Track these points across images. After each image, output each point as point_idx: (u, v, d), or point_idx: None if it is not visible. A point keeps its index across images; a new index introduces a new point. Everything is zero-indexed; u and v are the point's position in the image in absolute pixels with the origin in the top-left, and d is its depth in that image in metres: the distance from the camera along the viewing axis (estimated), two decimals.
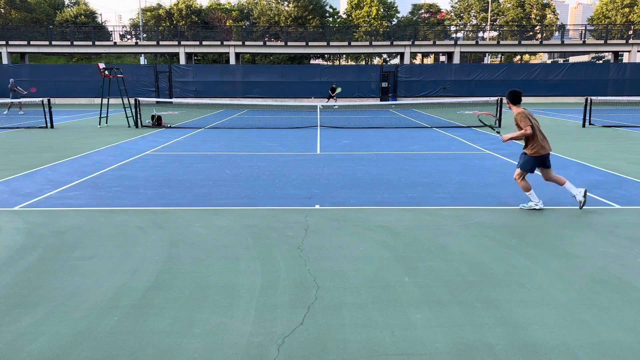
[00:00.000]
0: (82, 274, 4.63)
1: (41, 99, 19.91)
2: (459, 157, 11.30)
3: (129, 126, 18.79)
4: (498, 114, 18.55)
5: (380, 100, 35.96)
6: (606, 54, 59.55)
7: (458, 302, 4.01)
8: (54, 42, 42.33)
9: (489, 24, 61.69)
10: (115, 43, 43.85)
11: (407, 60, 42.92)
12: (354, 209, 6.86)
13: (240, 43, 42.70)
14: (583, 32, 43.90)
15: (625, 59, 44.99)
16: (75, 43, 42.62)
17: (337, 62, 66.18)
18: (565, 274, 4.59)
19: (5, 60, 41.93)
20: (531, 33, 53.68)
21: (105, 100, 19.87)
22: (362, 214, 6.63)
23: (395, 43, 43.05)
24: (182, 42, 42.59)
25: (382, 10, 61.77)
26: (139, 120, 18.63)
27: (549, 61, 78.18)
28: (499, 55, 65.93)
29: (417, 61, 69.91)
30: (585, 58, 73.14)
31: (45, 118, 18.48)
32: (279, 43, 43.82)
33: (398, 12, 64.53)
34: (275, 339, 3.45)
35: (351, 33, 48.11)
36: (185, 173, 9.48)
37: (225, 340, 3.45)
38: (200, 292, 4.23)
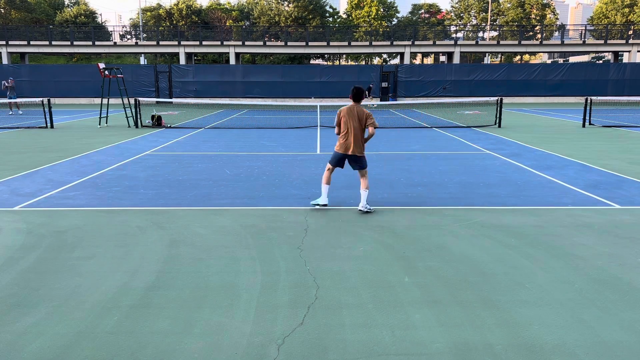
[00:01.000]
0: (82, 274, 4.63)
1: (41, 99, 19.91)
2: (459, 157, 11.30)
3: (129, 126, 18.79)
4: (498, 113, 18.56)
5: (380, 100, 35.96)
6: (606, 54, 59.57)
7: (458, 302, 4.01)
8: (54, 42, 42.35)
9: (489, 24, 61.69)
10: (115, 43, 43.86)
11: (407, 60, 42.93)
12: (354, 209, 6.86)
13: (240, 43, 42.71)
14: (583, 32, 43.92)
15: (625, 59, 45.00)
16: (75, 43, 42.64)
17: (337, 62, 66.17)
18: (565, 274, 4.59)
19: (5, 60, 41.94)
20: (531, 33, 53.68)
21: (105, 100, 19.87)
22: (362, 214, 6.62)
23: (395, 43, 43.06)
24: (182, 42, 42.60)
25: (382, 10, 61.79)
26: (139, 120, 18.63)
27: (549, 61, 78.19)
28: (499, 55, 65.94)
29: (417, 61, 69.91)
30: (585, 58, 73.16)
31: (45, 118, 18.48)
32: (279, 43, 43.83)
33: (398, 12, 64.56)
34: (275, 339, 3.45)
35: (351, 33, 48.12)
36: (185, 173, 9.48)
37: (225, 340, 3.45)
38: (200, 292, 4.23)
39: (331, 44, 43.21)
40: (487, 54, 62.70)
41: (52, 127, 18.24)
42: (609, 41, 42.57)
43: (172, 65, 37.57)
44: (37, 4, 61.23)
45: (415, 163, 10.55)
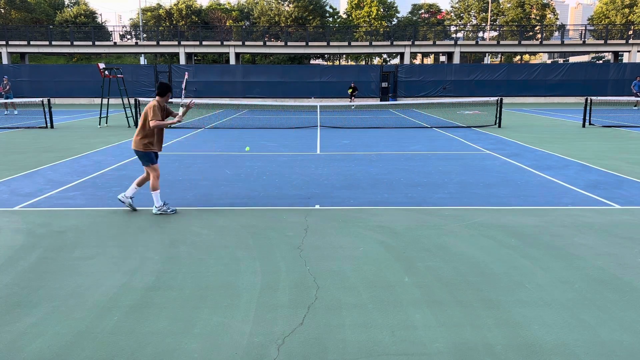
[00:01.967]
0: (82, 274, 4.63)
1: (41, 99, 19.91)
2: (459, 157, 11.30)
3: (129, 126, 18.80)
4: (498, 113, 18.56)
5: (380, 100, 35.95)
6: (606, 54, 59.57)
7: (458, 302, 4.01)
8: (54, 42, 42.35)
9: (489, 24, 61.70)
10: (115, 43, 43.87)
11: (407, 60, 42.93)
12: (354, 209, 6.86)
13: (240, 43, 42.71)
14: (583, 32, 43.92)
15: (625, 59, 45.00)
16: (75, 43, 42.65)
17: (337, 62, 66.17)
18: (565, 274, 4.59)
19: (5, 60, 41.94)
20: (531, 33, 53.68)
21: (105, 100, 19.87)
22: (362, 214, 6.63)
23: (395, 43, 43.06)
24: (182, 42, 42.61)
25: (382, 10, 61.78)
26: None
27: (549, 61, 78.19)
28: (499, 55, 65.94)
29: (417, 61, 69.91)
30: (585, 58, 73.16)
31: (45, 118, 18.48)
32: (279, 43, 43.83)
33: (398, 12, 64.55)
34: (275, 339, 3.45)
35: (351, 33, 48.11)
36: (185, 173, 9.48)
37: (225, 340, 3.45)
38: (200, 292, 4.23)
39: (331, 44, 43.21)
40: (487, 54, 62.71)
41: (52, 127, 18.24)
42: (609, 41, 42.57)
43: (172, 65, 37.58)
44: (37, 4, 61.22)
45: (415, 163, 10.55)
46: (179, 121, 6.93)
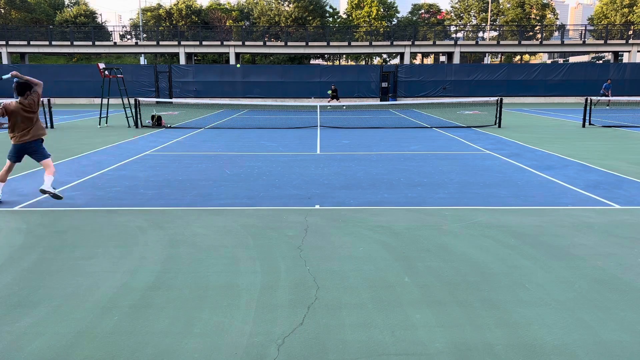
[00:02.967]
0: (82, 274, 4.63)
1: (41, 99, 19.88)
2: (459, 157, 11.30)
3: (129, 126, 18.80)
4: (498, 113, 18.56)
5: (380, 100, 35.96)
6: (606, 54, 59.57)
7: (458, 302, 4.01)
8: (54, 42, 42.35)
9: (489, 24, 61.70)
10: (115, 43, 43.87)
11: (407, 61, 42.93)
12: (354, 209, 6.86)
13: (240, 43, 42.71)
14: (583, 32, 43.92)
15: (625, 59, 44.99)
16: (75, 43, 42.64)
17: (337, 62, 66.17)
18: (565, 274, 4.59)
19: (5, 60, 41.94)
20: (531, 33, 53.69)
21: (105, 101, 19.87)
22: (362, 214, 6.63)
23: (395, 43, 43.06)
24: (182, 42, 42.60)
25: (382, 10, 61.77)
26: (139, 120, 18.64)
27: (549, 61, 78.18)
28: (499, 55, 65.94)
29: (417, 61, 69.91)
30: (585, 58, 73.15)
31: (45, 118, 18.47)
32: (279, 43, 43.82)
33: (398, 12, 64.53)
34: (275, 339, 3.45)
35: (351, 33, 48.10)
36: (185, 173, 9.48)
37: (225, 340, 3.45)
38: (200, 292, 4.23)
39: (331, 44, 43.21)
40: (487, 54, 62.69)
41: (52, 127, 18.24)
42: (609, 41, 42.57)
43: (172, 65, 37.58)
44: (37, 4, 61.22)
45: (415, 163, 10.55)
46: None
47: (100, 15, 67.64)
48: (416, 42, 43.26)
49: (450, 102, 31.53)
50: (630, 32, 43.76)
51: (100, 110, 19.67)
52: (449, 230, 5.91)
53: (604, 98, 27.20)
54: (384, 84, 36.82)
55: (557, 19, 64.80)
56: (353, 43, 44.44)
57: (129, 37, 52.59)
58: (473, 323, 3.67)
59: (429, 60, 77.06)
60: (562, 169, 9.82)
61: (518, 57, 70.39)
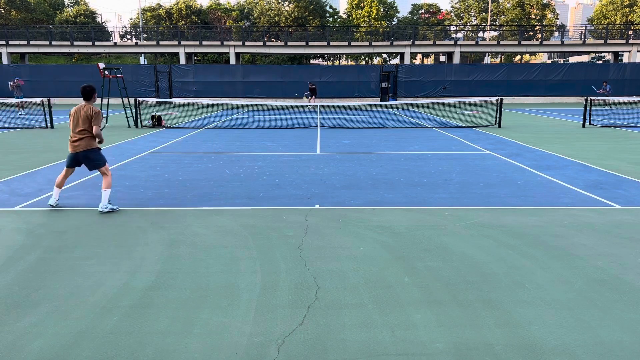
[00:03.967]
0: (82, 274, 4.63)
1: (41, 99, 19.91)
2: (459, 157, 11.30)
3: (129, 126, 18.80)
4: (498, 113, 18.56)
5: (380, 100, 35.95)
6: (606, 54, 59.55)
7: (458, 302, 4.01)
8: (54, 42, 42.35)
9: (489, 24, 61.69)
10: (115, 43, 43.86)
11: (407, 60, 42.93)
12: (354, 209, 6.86)
13: (240, 43, 42.70)
14: (583, 32, 43.91)
15: (625, 59, 44.99)
16: (75, 43, 42.64)
17: (337, 62, 66.18)
18: (565, 274, 4.59)
19: (5, 60, 41.94)
20: (531, 33, 53.68)
21: (105, 100, 19.87)
22: (362, 214, 6.63)
23: (395, 43, 43.06)
24: (182, 42, 42.60)
25: (382, 10, 61.77)
26: (139, 120, 18.64)
27: (549, 61, 78.17)
28: (499, 55, 65.93)
29: (417, 61, 69.91)
30: (585, 58, 73.13)
31: (45, 118, 18.48)
32: (279, 43, 43.82)
33: (398, 12, 64.54)
34: (275, 339, 3.45)
35: (351, 33, 48.10)
36: (185, 173, 9.48)
37: (225, 340, 3.45)
38: (200, 292, 4.23)
39: (331, 44, 43.20)
40: (487, 54, 62.68)
41: (52, 127, 18.23)
42: (609, 41, 42.56)
43: (172, 65, 37.57)
44: (37, 4, 61.21)
45: (415, 163, 10.55)
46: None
47: (100, 15, 67.69)
48: (416, 42, 43.25)
49: (450, 102, 31.53)
50: (630, 32, 43.75)
51: (100, 110, 19.64)
52: (449, 230, 5.91)
53: (602, 97, 27.25)
54: (384, 84, 36.82)
55: (557, 19, 64.79)
56: (353, 43, 44.44)
57: (129, 37, 52.59)
58: (473, 323, 3.67)
59: (429, 60, 77.06)
60: (562, 169, 9.82)
61: (518, 57, 70.39)
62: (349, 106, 31.61)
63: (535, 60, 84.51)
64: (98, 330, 3.59)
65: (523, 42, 43.92)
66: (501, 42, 44.81)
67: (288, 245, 5.39)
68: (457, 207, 6.95)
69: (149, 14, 61.74)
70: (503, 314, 3.80)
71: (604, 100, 28.79)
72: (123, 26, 61.56)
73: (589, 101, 18.30)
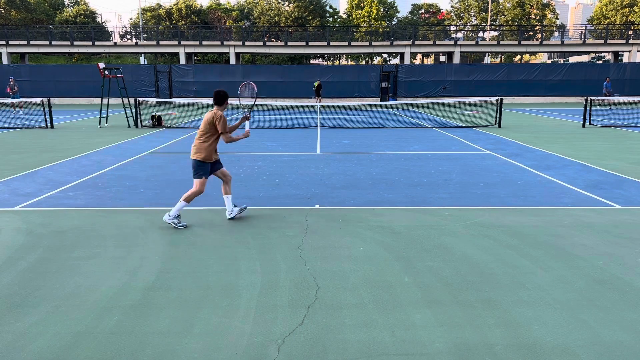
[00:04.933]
0: (82, 274, 4.63)
1: (41, 99, 19.91)
2: (459, 157, 11.30)
3: (129, 126, 18.79)
4: (498, 113, 18.56)
5: (380, 100, 35.95)
6: (606, 54, 59.55)
7: (458, 302, 4.01)
8: (54, 42, 42.34)
9: (489, 24, 61.69)
10: (115, 43, 43.85)
11: (407, 60, 42.92)
12: (354, 209, 6.86)
13: (240, 43, 42.69)
14: (583, 32, 43.90)
15: (625, 59, 44.99)
16: (75, 43, 42.63)
17: (337, 62, 66.17)
18: (565, 274, 4.59)
19: (5, 60, 41.93)
20: (531, 33, 53.68)
21: (105, 100, 19.87)
22: (362, 214, 6.63)
23: (395, 43, 43.05)
24: (182, 42, 42.59)
25: (382, 10, 61.78)
26: (139, 120, 18.63)
27: (549, 61, 78.17)
28: (499, 55, 65.92)
29: (417, 61, 69.91)
30: (585, 58, 73.13)
31: (45, 118, 18.48)
32: (279, 43, 43.81)
33: (398, 12, 64.54)
34: (275, 339, 3.45)
35: (351, 33, 48.10)
36: (185, 173, 9.48)
37: (225, 340, 3.45)
38: (200, 292, 4.23)
39: (331, 44, 43.19)
40: (487, 54, 62.69)
41: (52, 127, 18.23)
42: (609, 41, 42.55)
43: (172, 65, 37.57)
44: (37, 4, 61.20)
45: (415, 163, 10.55)
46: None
47: (100, 15, 67.71)
48: (416, 42, 43.24)
49: (450, 102, 31.53)
50: (630, 32, 43.74)
51: (100, 110, 19.67)
52: (449, 230, 5.91)
53: (606, 98, 27.20)
54: (384, 84, 36.81)
55: (557, 19, 64.79)
56: (353, 43, 44.43)
57: (129, 37, 52.57)
58: (473, 323, 3.67)
59: (429, 60, 77.05)
60: (562, 169, 9.81)
61: (518, 57, 70.39)
62: (349, 106, 31.61)
63: (535, 60, 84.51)
64: (98, 330, 3.59)
65: (523, 42, 43.91)
66: (501, 42, 44.80)
67: (288, 245, 5.39)
68: (457, 207, 6.95)
69: (148, 14, 61.73)
70: (503, 314, 3.80)
71: (604, 100, 28.66)
72: (123, 26, 61.57)
73: (589, 101, 18.30)
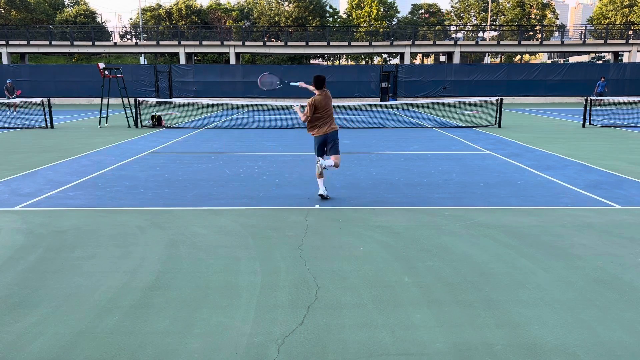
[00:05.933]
0: (82, 274, 4.63)
1: (41, 99, 19.91)
2: (459, 157, 11.30)
3: (129, 126, 18.79)
4: (498, 113, 18.56)
5: (380, 100, 35.95)
6: (606, 54, 59.56)
7: (458, 302, 4.01)
8: (54, 42, 42.35)
9: (489, 24, 61.70)
10: (115, 43, 43.87)
11: (407, 60, 42.93)
12: (354, 209, 6.86)
13: (240, 43, 42.70)
14: (583, 32, 43.92)
15: (625, 59, 44.99)
16: (75, 43, 42.64)
17: (337, 62, 66.17)
18: (565, 274, 4.59)
19: (5, 60, 41.93)
20: (531, 33, 53.69)
21: (105, 100, 19.87)
22: (362, 214, 6.63)
23: (395, 43, 43.06)
24: (182, 42, 42.60)
25: (382, 10, 61.77)
26: (139, 120, 18.63)
27: (549, 61, 78.16)
28: (499, 55, 65.93)
29: (417, 61, 69.90)
30: (585, 58, 73.13)
31: (45, 118, 18.48)
32: (279, 43, 43.82)
33: (398, 12, 64.54)
34: (275, 339, 3.45)
35: (351, 33, 48.11)
36: (185, 173, 9.48)
37: (225, 340, 3.45)
38: (200, 292, 4.23)
39: (331, 44, 43.20)
40: (487, 54, 62.70)
41: (52, 127, 18.24)
42: (609, 41, 42.56)
43: (172, 65, 37.57)
44: (37, 4, 61.20)
45: (415, 163, 10.55)
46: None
47: (100, 15, 67.70)
48: (416, 42, 43.25)
49: (450, 102, 31.53)
50: (630, 32, 43.74)
51: (100, 110, 19.67)
52: (449, 230, 5.91)
53: (597, 98, 26.97)
54: (384, 84, 36.82)
55: (557, 18, 64.79)
56: (353, 43, 44.44)
57: (129, 37, 52.58)
58: (473, 323, 3.67)
59: (429, 60, 77.04)
60: (561, 169, 9.81)
61: (518, 57, 70.38)
62: (349, 106, 31.61)
63: (535, 60, 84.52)
64: (98, 330, 3.58)
65: (523, 42, 43.93)
66: (501, 42, 44.81)
67: (288, 245, 5.39)
68: (457, 207, 6.95)
69: (148, 14, 61.73)
70: (503, 314, 3.80)
71: (597, 99, 28.48)
72: (123, 26, 61.59)
73: (588, 101, 18.30)
